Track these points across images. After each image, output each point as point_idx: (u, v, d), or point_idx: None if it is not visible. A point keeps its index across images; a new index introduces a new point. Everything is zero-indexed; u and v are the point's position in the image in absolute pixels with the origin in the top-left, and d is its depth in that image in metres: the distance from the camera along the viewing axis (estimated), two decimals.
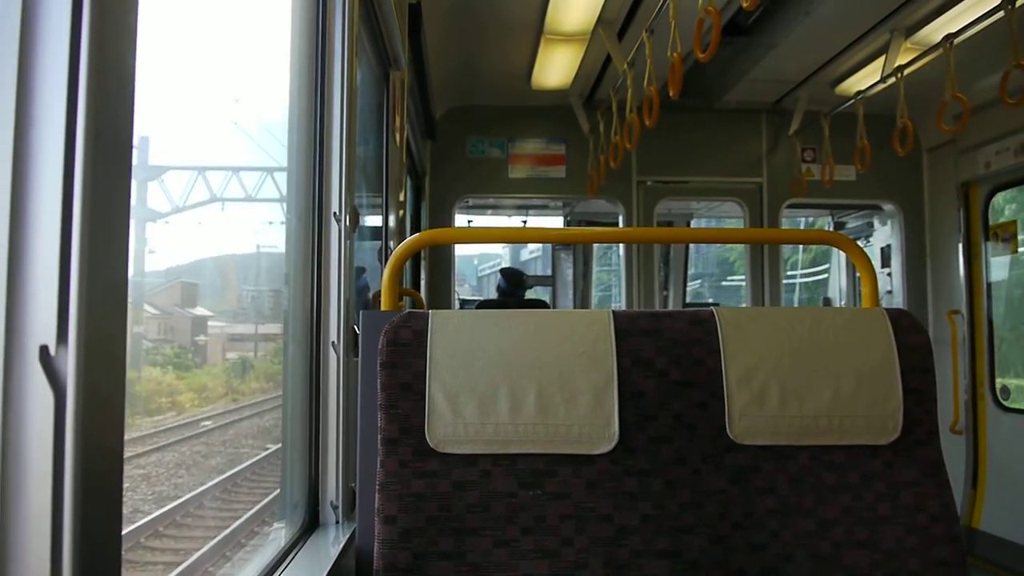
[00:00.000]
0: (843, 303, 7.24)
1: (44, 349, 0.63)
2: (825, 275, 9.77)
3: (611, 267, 10.09)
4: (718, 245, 12.67)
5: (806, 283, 11.82)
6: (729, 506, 1.33)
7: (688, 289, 7.50)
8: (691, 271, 7.77)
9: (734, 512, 1.33)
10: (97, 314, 0.66)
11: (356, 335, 1.85)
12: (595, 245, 7.56)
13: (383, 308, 1.58)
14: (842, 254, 7.07)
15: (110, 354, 0.68)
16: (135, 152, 0.73)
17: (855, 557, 1.32)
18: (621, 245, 5.52)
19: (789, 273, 11.48)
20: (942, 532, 1.33)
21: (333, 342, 1.85)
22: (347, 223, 1.90)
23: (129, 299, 0.72)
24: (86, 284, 0.64)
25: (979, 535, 4.66)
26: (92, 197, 0.65)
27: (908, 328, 1.40)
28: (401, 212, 3.38)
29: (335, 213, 1.89)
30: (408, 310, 1.42)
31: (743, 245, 6.42)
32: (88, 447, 0.64)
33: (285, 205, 1.86)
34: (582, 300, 7.46)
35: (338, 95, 1.92)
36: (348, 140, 1.93)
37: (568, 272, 7.57)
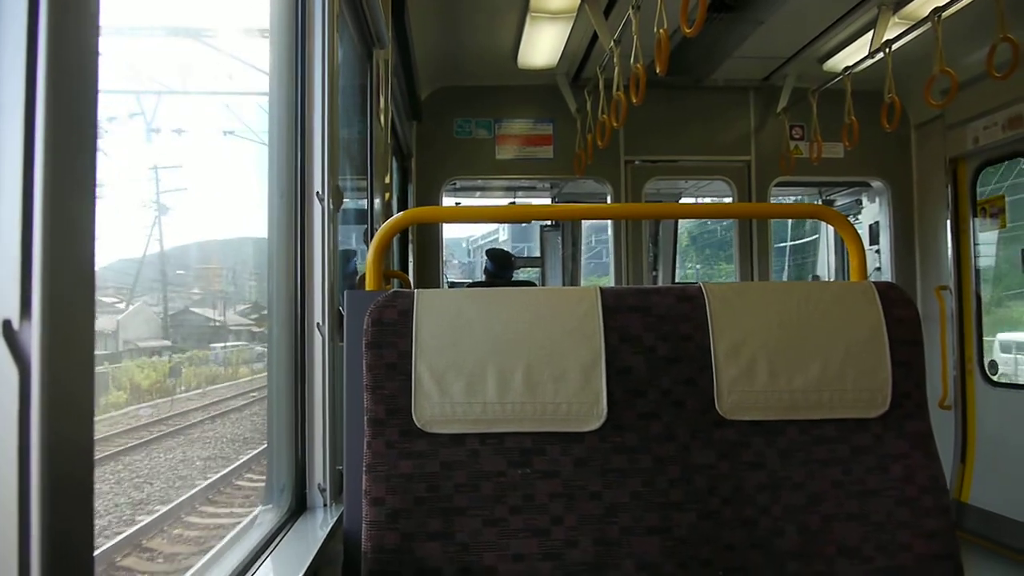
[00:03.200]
0: (832, 279, 7.25)
1: (7, 324, 0.61)
2: None
3: None
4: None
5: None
6: (718, 481, 1.32)
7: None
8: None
9: (724, 487, 1.32)
10: (62, 287, 0.63)
11: (342, 316, 1.83)
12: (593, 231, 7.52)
13: (368, 288, 1.55)
14: (830, 229, 7.07)
15: (77, 328, 0.66)
16: None
17: (845, 530, 1.31)
18: (610, 225, 5.50)
19: None
20: (931, 504, 1.33)
21: (318, 323, 1.83)
22: (330, 203, 1.87)
23: None
24: (50, 256, 0.62)
25: (968, 509, 4.69)
26: (54, 166, 0.62)
27: (896, 301, 1.39)
28: (387, 195, 3.35)
29: (317, 193, 1.86)
30: (394, 290, 1.40)
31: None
32: (56, 425, 0.62)
33: (267, 185, 1.83)
34: (571, 281, 7.44)
35: (319, 72, 1.89)
36: (330, 119, 1.90)
37: (557, 252, 7.55)
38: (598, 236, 10.54)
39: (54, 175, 0.63)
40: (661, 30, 3.12)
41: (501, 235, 15.60)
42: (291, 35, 1.88)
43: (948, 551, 1.31)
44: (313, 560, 1.42)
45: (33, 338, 0.61)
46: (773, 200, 5.58)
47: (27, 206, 0.61)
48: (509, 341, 1.33)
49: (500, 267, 5.63)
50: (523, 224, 12.53)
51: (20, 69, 0.62)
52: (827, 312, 1.38)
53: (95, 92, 0.70)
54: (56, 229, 0.63)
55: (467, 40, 4.63)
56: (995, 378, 4.75)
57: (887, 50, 4.04)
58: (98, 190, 0.69)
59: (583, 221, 7.35)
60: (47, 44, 0.62)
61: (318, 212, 1.86)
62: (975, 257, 4.86)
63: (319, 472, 1.80)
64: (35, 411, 0.61)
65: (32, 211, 0.61)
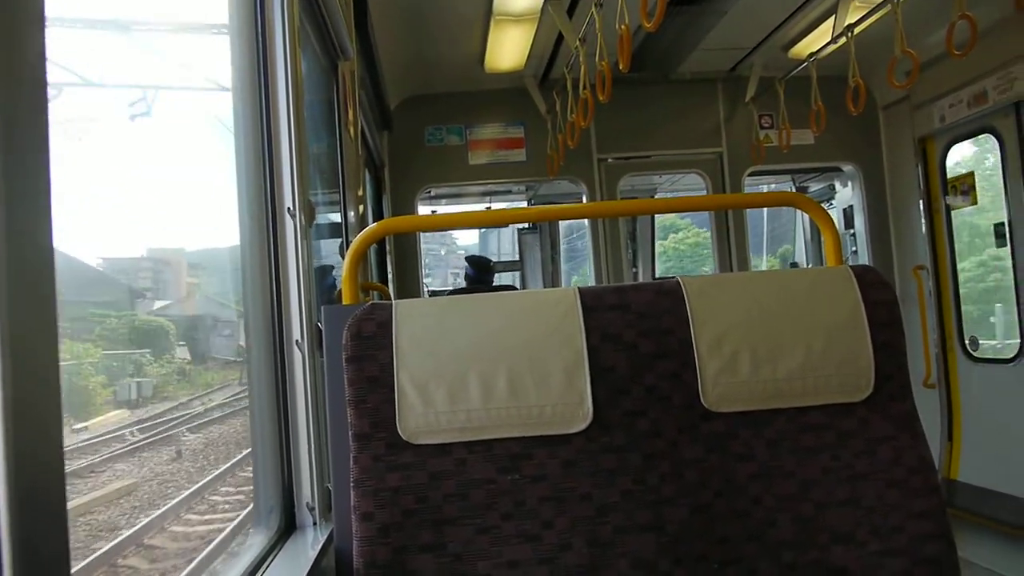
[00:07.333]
0: (809, 266, 7.29)
1: None
2: None
3: None
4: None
5: None
6: (709, 475, 1.32)
7: None
8: None
9: (714, 480, 1.32)
10: (21, 308, 0.61)
11: (321, 332, 1.81)
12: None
13: (345, 302, 1.54)
14: (805, 217, 7.12)
15: (40, 351, 0.64)
16: None
17: (838, 516, 1.31)
18: (587, 224, 5.51)
19: None
20: (920, 484, 1.33)
21: (297, 340, 1.81)
22: (302, 219, 1.85)
23: None
24: (5, 277, 0.60)
25: (958, 486, 4.72)
26: (6, 173, 0.60)
27: (873, 283, 1.39)
28: (361, 207, 3.32)
29: (289, 209, 1.84)
30: (372, 302, 1.39)
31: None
32: (23, 453, 0.60)
33: (237, 203, 1.81)
34: (551, 283, 7.44)
35: (283, 86, 1.87)
36: (297, 133, 1.88)
37: (536, 255, 7.54)
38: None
39: (8, 184, 0.61)
40: (623, 26, 3.13)
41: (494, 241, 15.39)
42: (252, 51, 1.85)
43: (940, 531, 1.32)
44: None
45: None
46: (747, 190, 5.60)
47: None
48: (490, 346, 1.32)
49: (480, 272, 5.61)
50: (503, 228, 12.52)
51: None
52: (806, 299, 1.38)
53: (44, 93, 0.68)
54: (12, 245, 0.61)
55: (433, 47, 4.62)
56: (976, 354, 4.79)
57: (849, 34, 4.07)
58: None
59: (560, 222, 7.36)
60: None
61: (291, 228, 1.84)
62: (948, 235, 4.90)
63: (307, 490, 1.78)
64: (0, 441, 0.59)
65: None
